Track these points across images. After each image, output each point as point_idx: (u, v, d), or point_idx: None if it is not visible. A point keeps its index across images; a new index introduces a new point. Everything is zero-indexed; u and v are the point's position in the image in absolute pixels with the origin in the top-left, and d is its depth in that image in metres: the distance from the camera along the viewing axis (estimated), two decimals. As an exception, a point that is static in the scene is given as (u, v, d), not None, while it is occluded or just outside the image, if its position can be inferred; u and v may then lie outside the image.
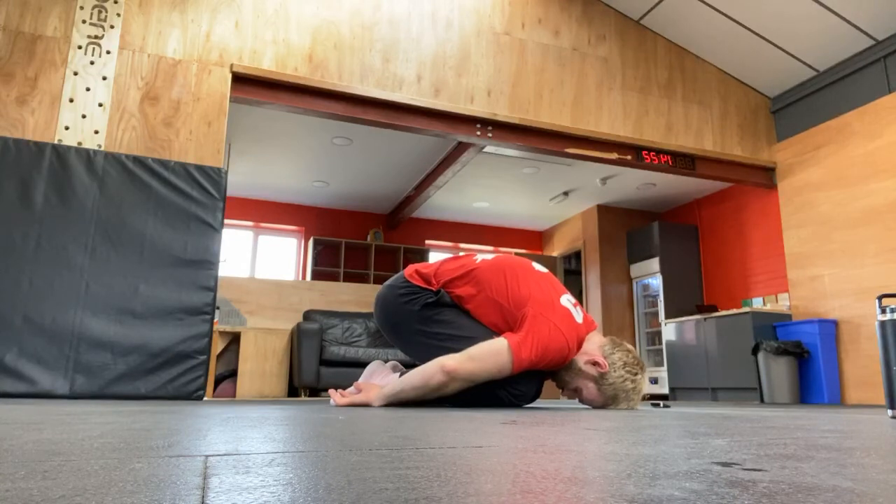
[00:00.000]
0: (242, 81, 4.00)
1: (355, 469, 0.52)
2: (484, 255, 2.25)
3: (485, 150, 5.38)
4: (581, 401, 2.13)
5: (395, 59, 4.42)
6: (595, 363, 2.03)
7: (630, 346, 2.12)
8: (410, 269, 2.23)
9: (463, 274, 2.14)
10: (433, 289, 2.14)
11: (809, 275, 5.19)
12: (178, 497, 0.39)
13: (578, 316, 2.09)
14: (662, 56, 5.36)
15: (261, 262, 7.42)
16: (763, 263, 5.88)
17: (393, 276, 2.28)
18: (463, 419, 1.28)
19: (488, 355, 1.92)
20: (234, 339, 5.59)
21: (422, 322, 2.10)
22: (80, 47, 3.62)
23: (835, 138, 5.08)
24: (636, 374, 2.06)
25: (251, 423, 1.10)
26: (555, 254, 8.05)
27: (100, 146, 3.52)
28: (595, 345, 2.09)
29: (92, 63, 3.62)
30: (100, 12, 3.71)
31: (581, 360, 2.05)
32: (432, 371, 1.92)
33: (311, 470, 0.51)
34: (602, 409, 2.08)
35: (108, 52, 3.67)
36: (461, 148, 5.30)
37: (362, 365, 5.27)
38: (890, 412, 1.59)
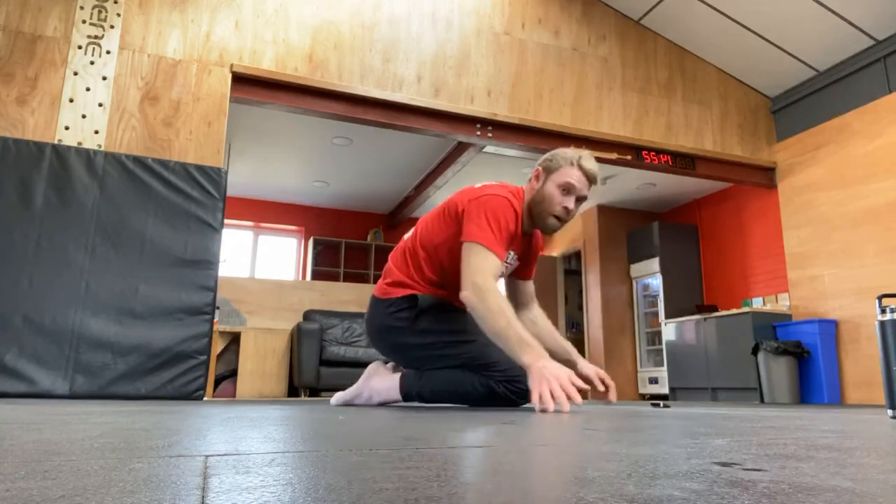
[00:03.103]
0: (242, 81, 4.00)
1: (355, 469, 0.52)
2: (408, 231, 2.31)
3: (485, 150, 5.38)
4: (569, 213, 2.08)
5: (395, 59, 4.42)
6: (535, 175, 2.10)
7: None
8: (378, 289, 2.23)
9: (404, 257, 2.19)
10: (408, 293, 2.14)
11: (809, 275, 5.18)
12: (178, 497, 0.39)
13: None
14: (662, 56, 5.36)
15: (261, 262, 7.42)
16: (763, 263, 5.88)
17: (369, 303, 2.26)
18: (463, 419, 1.28)
19: (472, 266, 1.91)
20: (234, 339, 5.59)
21: (416, 335, 2.11)
22: (80, 47, 3.62)
23: (835, 138, 5.08)
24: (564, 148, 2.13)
25: (251, 423, 1.10)
26: (555, 254, 8.05)
27: (100, 146, 3.52)
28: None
29: (92, 63, 3.62)
30: (100, 12, 3.71)
31: (527, 190, 2.11)
32: (477, 306, 1.85)
33: (311, 470, 0.51)
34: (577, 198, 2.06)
35: (108, 52, 3.67)
36: (461, 148, 5.30)
37: (362, 365, 5.26)
38: (890, 412, 1.59)
